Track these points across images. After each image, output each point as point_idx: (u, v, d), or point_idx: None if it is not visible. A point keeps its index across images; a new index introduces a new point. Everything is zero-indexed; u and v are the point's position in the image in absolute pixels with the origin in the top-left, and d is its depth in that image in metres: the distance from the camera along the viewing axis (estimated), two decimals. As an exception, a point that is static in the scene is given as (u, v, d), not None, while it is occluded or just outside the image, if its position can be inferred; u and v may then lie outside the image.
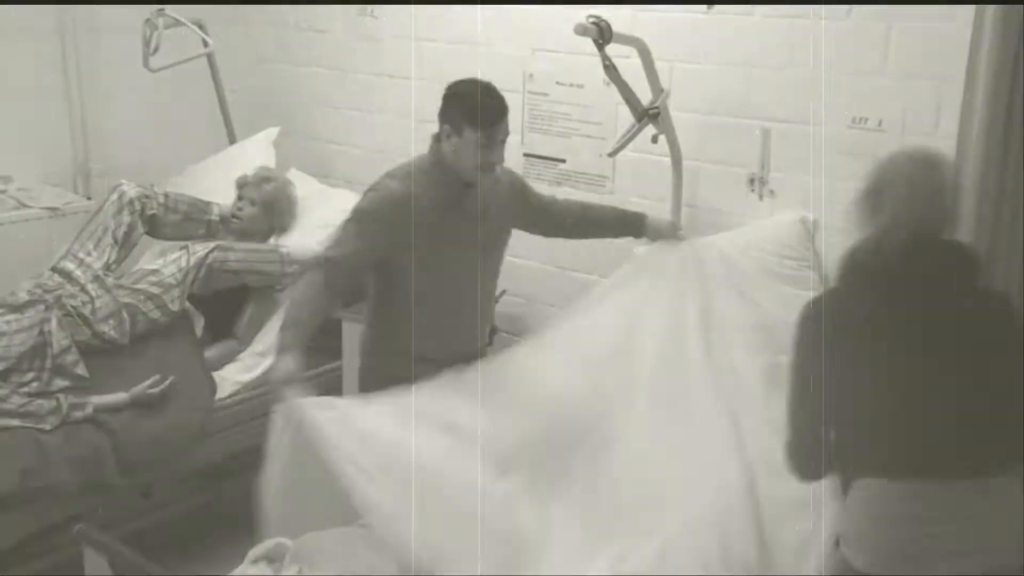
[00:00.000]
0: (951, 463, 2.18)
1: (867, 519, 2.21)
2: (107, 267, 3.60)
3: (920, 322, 2.22)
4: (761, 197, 3.40)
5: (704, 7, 3.37)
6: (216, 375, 3.60)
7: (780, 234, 3.29)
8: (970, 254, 2.31)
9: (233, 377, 3.68)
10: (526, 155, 3.92)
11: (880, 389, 2.23)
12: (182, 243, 3.77)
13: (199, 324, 3.74)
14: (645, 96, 3.21)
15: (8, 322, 3.31)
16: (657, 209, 3.47)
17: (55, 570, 3.19)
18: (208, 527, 3.82)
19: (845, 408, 2.26)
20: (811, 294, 3.22)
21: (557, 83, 3.80)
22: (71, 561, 2.69)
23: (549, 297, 3.96)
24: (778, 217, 3.34)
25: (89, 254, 3.60)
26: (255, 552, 2.67)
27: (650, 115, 3.21)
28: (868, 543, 2.20)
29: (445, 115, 2.89)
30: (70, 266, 3.56)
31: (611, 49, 3.04)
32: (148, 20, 4.09)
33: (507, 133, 2.93)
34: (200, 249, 3.67)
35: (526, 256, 3.96)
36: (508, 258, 4.04)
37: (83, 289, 3.48)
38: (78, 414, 3.20)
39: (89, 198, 4.26)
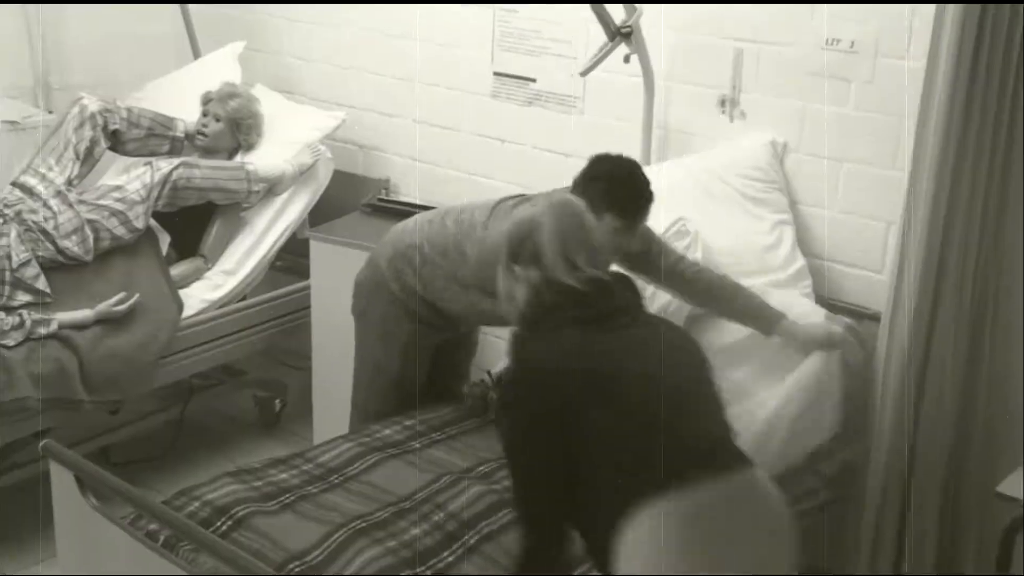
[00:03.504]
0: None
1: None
2: (69, 183, 3.54)
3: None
4: (732, 119, 3.38)
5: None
6: (182, 293, 3.57)
7: (750, 156, 3.29)
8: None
9: (200, 295, 3.65)
10: (496, 73, 3.87)
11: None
12: (146, 159, 3.71)
13: (164, 241, 3.70)
14: (618, 15, 3.17)
15: (-34, 237, 3.26)
16: (626, 129, 3.46)
17: (21, 486, 3.20)
18: (174, 443, 3.85)
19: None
20: (778, 216, 3.25)
21: None
22: (37, 477, 2.69)
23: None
24: (748, 139, 3.34)
25: (51, 169, 3.53)
26: None
27: (622, 34, 3.18)
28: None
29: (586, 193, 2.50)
30: (31, 181, 3.50)
31: (584, -35, 3.00)
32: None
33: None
34: (164, 166, 3.61)
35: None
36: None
37: (45, 204, 3.43)
38: (42, 330, 3.17)
39: (50, 112, 4.16)
